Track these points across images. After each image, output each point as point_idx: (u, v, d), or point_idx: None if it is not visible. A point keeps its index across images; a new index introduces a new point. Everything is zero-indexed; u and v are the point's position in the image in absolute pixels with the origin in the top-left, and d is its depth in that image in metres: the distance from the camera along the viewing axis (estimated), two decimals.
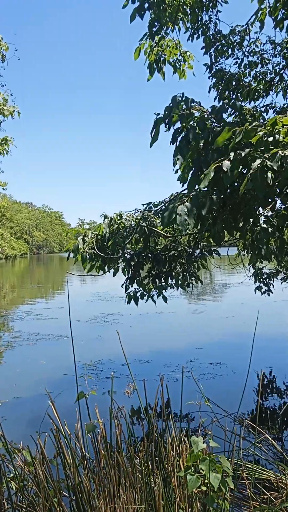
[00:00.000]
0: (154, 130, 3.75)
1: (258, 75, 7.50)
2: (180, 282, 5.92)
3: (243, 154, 3.12)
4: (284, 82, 7.56)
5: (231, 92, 7.21)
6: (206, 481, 2.58)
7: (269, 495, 3.43)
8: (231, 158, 3.12)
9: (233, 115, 5.26)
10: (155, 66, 6.39)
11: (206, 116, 3.69)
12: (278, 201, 3.78)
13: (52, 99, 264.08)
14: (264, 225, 3.64)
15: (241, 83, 7.22)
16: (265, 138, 2.96)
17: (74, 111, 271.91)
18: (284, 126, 3.13)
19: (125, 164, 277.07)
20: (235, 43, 7.25)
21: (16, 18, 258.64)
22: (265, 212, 3.74)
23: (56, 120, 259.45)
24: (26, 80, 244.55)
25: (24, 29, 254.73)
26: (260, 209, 3.72)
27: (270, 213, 3.80)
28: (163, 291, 6.10)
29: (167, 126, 3.74)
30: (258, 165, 2.92)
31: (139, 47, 6.27)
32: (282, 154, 2.87)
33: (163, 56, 6.48)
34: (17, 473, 3.05)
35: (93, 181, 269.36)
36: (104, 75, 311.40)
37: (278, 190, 3.56)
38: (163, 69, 6.49)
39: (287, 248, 4.29)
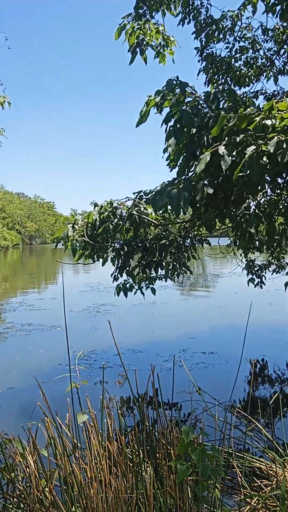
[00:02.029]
0: (144, 111, 3.70)
1: (249, 60, 7.43)
2: (170, 273, 5.90)
3: (238, 140, 3.09)
4: (275, 68, 7.51)
5: (221, 76, 7.14)
6: (196, 470, 2.59)
7: (260, 483, 3.46)
8: (225, 144, 3.09)
9: (225, 101, 5.23)
10: (137, 50, 6.24)
11: (199, 102, 3.65)
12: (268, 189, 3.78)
13: (44, 88, 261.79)
14: (256, 210, 3.63)
15: (231, 67, 7.15)
16: (263, 122, 2.93)
17: (66, 101, 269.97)
18: (280, 112, 3.10)
19: (118, 155, 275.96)
20: (226, 28, 7.16)
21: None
22: (256, 198, 3.73)
23: (48, 109, 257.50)
24: (16, 67, 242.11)
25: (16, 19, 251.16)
26: (251, 196, 3.71)
27: (262, 200, 3.80)
28: (153, 282, 6.08)
29: (159, 109, 3.69)
30: (254, 150, 2.89)
31: (120, 27, 6.10)
32: (278, 139, 2.85)
33: (146, 39, 6.31)
34: (8, 463, 3.05)
35: (86, 172, 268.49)
36: (94, 62, 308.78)
37: (269, 178, 3.55)
38: (145, 53, 6.32)
39: (277, 237, 4.30)
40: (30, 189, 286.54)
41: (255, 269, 8.69)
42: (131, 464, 2.97)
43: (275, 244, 5.21)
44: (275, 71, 7.43)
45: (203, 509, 2.71)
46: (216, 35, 7.02)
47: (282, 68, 7.40)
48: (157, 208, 3.39)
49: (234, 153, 3.16)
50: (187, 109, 3.55)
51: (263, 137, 2.99)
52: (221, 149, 3.06)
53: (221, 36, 7.09)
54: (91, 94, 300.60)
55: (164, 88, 3.71)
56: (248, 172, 2.96)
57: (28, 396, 6.89)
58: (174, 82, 3.72)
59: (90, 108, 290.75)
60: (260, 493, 3.25)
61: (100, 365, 8.62)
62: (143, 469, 2.86)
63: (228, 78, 7.08)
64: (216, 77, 7.05)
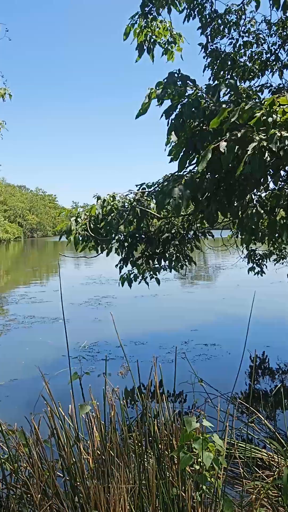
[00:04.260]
0: (145, 103, 3.68)
1: (253, 55, 7.38)
2: (173, 264, 5.90)
3: (239, 135, 3.07)
4: (280, 62, 7.44)
5: (226, 72, 7.09)
6: (199, 459, 2.61)
7: (261, 473, 3.48)
8: (227, 139, 3.07)
9: (228, 95, 5.20)
10: (144, 47, 6.21)
11: (200, 94, 3.62)
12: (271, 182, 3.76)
13: (45, 81, 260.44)
14: (257, 206, 3.61)
15: (236, 62, 7.10)
16: (264, 118, 2.90)
17: (69, 94, 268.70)
18: (281, 106, 3.08)
19: (119, 146, 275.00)
20: (231, 23, 7.12)
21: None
22: (258, 192, 3.71)
23: (49, 103, 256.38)
24: (18, 62, 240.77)
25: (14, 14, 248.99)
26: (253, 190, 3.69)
27: (264, 193, 3.78)
28: (157, 273, 6.09)
29: (160, 102, 3.67)
30: (256, 146, 2.87)
31: (129, 26, 6.08)
32: (280, 135, 2.83)
33: (153, 37, 6.30)
34: (11, 454, 3.07)
35: (87, 164, 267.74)
36: (100, 59, 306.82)
37: (271, 171, 3.52)
38: (152, 51, 6.30)
39: (279, 229, 4.28)
40: (31, 182, 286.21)
41: (256, 258, 8.70)
42: (133, 455, 2.98)
43: (277, 235, 5.21)
44: (280, 65, 7.36)
45: (205, 499, 2.73)
46: (221, 30, 6.98)
47: (287, 62, 7.33)
48: (160, 208, 3.40)
49: (236, 149, 3.14)
50: (189, 101, 3.53)
51: (265, 132, 2.97)
52: (223, 146, 3.04)
53: (226, 31, 7.05)
54: (93, 87, 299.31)
55: (165, 80, 3.68)
56: (251, 169, 2.94)
57: (31, 387, 6.92)
58: (176, 75, 3.69)
59: (92, 100, 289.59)
60: (262, 483, 3.26)
61: (103, 357, 8.66)
62: (145, 459, 2.88)
63: (234, 74, 7.02)
64: (221, 73, 7.00)
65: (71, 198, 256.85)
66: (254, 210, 3.61)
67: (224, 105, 3.32)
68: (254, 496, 3.07)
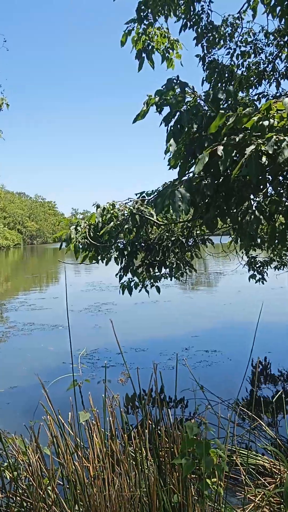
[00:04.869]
0: (143, 110, 3.70)
1: (251, 65, 7.43)
2: (174, 272, 5.90)
3: (237, 140, 3.08)
4: (277, 72, 7.50)
5: (224, 84, 7.14)
6: (200, 466, 2.59)
7: (263, 481, 3.46)
8: (224, 143, 3.07)
9: (226, 104, 5.22)
10: (143, 55, 6.23)
11: (199, 102, 3.64)
12: (270, 188, 3.76)
13: (45, 81, 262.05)
14: (256, 212, 3.61)
15: (234, 74, 7.15)
16: (260, 122, 2.91)
17: (69, 94, 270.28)
18: (278, 112, 3.09)
19: (119, 154, 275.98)
20: (226, 34, 7.17)
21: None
22: (257, 198, 3.71)
23: (49, 103, 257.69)
24: (18, 62, 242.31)
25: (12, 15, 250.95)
26: (252, 195, 3.69)
27: (262, 199, 3.78)
28: (157, 281, 6.09)
29: (158, 109, 3.68)
30: (253, 150, 2.88)
31: (125, 33, 6.09)
32: (277, 139, 2.83)
33: (152, 44, 6.31)
34: (10, 462, 3.04)
35: (87, 165, 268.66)
36: (100, 61, 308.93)
37: (271, 177, 3.53)
38: (152, 58, 6.31)
39: (278, 235, 4.27)
40: (31, 188, 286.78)
41: (257, 265, 8.70)
42: (134, 462, 2.96)
43: (277, 242, 5.20)
44: (276, 75, 7.42)
45: (206, 506, 2.70)
46: (217, 41, 7.02)
47: (284, 72, 7.38)
48: (159, 210, 3.39)
49: (234, 153, 3.15)
50: (187, 108, 3.54)
51: (261, 136, 2.98)
52: (220, 150, 3.05)
53: (221, 42, 7.10)
54: (93, 87, 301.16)
55: (164, 87, 3.70)
56: (247, 172, 2.94)
57: (31, 395, 6.89)
58: (174, 81, 3.71)
59: (92, 100, 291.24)
60: (264, 490, 3.24)
61: (103, 364, 8.62)
62: (146, 467, 2.85)
63: (231, 87, 7.07)
64: (219, 85, 7.04)
65: (70, 199, 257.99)
66: (253, 216, 3.61)
67: (221, 112, 3.34)
68: (256, 504, 3.04)
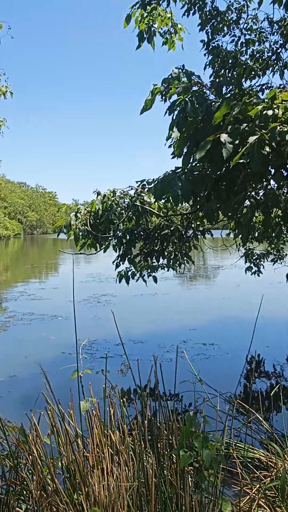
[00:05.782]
0: (149, 99, 3.68)
1: (255, 53, 7.37)
2: (172, 262, 5.89)
3: (241, 128, 3.07)
4: (281, 62, 7.44)
5: (227, 70, 7.08)
6: (198, 458, 2.62)
7: (259, 474, 3.49)
8: (229, 131, 3.06)
9: (230, 93, 5.20)
10: (145, 35, 6.13)
11: (205, 90, 3.62)
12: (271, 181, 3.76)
13: (45, 81, 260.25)
14: (250, 202, 3.60)
15: (238, 61, 7.09)
16: (264, 112, 2.90)
17: (69, 94, 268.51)
18: (283, 102, 3.08)
19: (119, 154, 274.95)
20: (231, 21, 7.10)
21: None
22: (258, 190, 3.71)
23: (49, 103, 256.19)
24: (18, 62, 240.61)
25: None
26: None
27: (263, 191, 3.78)
28: (155, 271, 6.07)
29: (164, 97, 3.66)
30: (256, 139, 2.87)
31: (130, 14, 5.99)
32: (281, 130, 2.82)
33: (154, 26, 6.20)
34: (11, 451, 3.07)
35: (87, 164, 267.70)
36: (101, 56, 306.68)
37: (273, 170, 3.52)
38: (153, 39, 6.21)
39: (274, 228, 4.28)
40: (31, 178, 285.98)
41: (254, 257, 8.72)
42: (132, 453, 2.99)
43: (273, 234, 5.22)
44: (281, 65, 7.36)
45: (203, 498, 2.74)
46: (221, 27, 6.95)
47: None
48: (158, 197, 3.37)
49: (237, 142, 3.14)
50: (193, 99, 3.52)
51: (265, 126, 2.97)
52: (223, 137, 3.03)
53: (225, 29, 7.02)
54: (93, 87, 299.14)
55: (170, 76, 3.68)
56: (248, 160, 2.93)
57: (31, 384, 6.93)
58: (180, 69, 3.69)
59: (92, 100, 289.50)
60: (260, 483, 3.28)
61: (102, 355, 8.67)
62: (144, 458, 2.89)
63: (235, 73, 7.01)
64: (222, 71, 6.99)
65: (71, 195, 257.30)
66: (248, 206, 3.61)
67: (226, 101, 3.32)
68: (251, 497, 3.08)
